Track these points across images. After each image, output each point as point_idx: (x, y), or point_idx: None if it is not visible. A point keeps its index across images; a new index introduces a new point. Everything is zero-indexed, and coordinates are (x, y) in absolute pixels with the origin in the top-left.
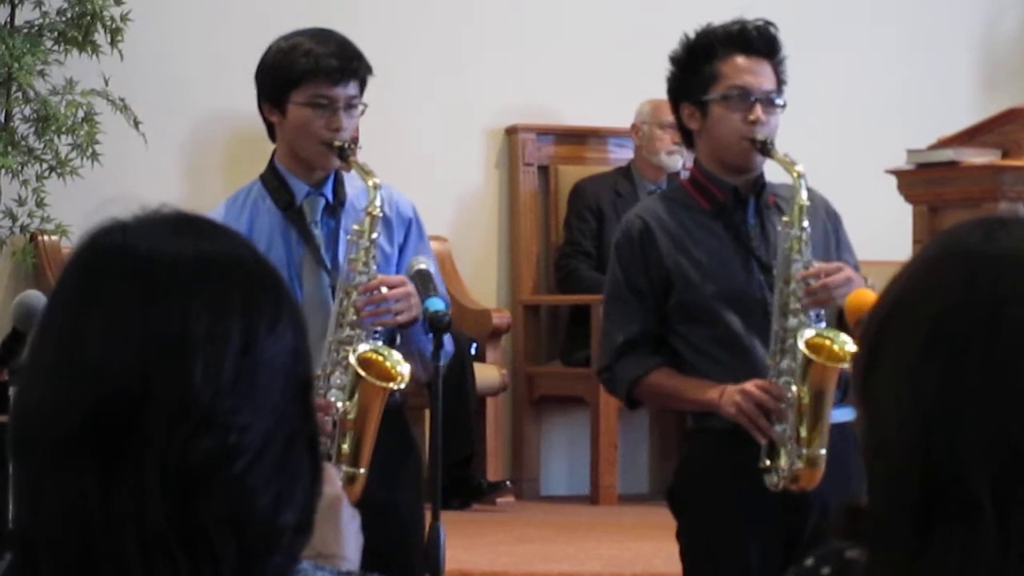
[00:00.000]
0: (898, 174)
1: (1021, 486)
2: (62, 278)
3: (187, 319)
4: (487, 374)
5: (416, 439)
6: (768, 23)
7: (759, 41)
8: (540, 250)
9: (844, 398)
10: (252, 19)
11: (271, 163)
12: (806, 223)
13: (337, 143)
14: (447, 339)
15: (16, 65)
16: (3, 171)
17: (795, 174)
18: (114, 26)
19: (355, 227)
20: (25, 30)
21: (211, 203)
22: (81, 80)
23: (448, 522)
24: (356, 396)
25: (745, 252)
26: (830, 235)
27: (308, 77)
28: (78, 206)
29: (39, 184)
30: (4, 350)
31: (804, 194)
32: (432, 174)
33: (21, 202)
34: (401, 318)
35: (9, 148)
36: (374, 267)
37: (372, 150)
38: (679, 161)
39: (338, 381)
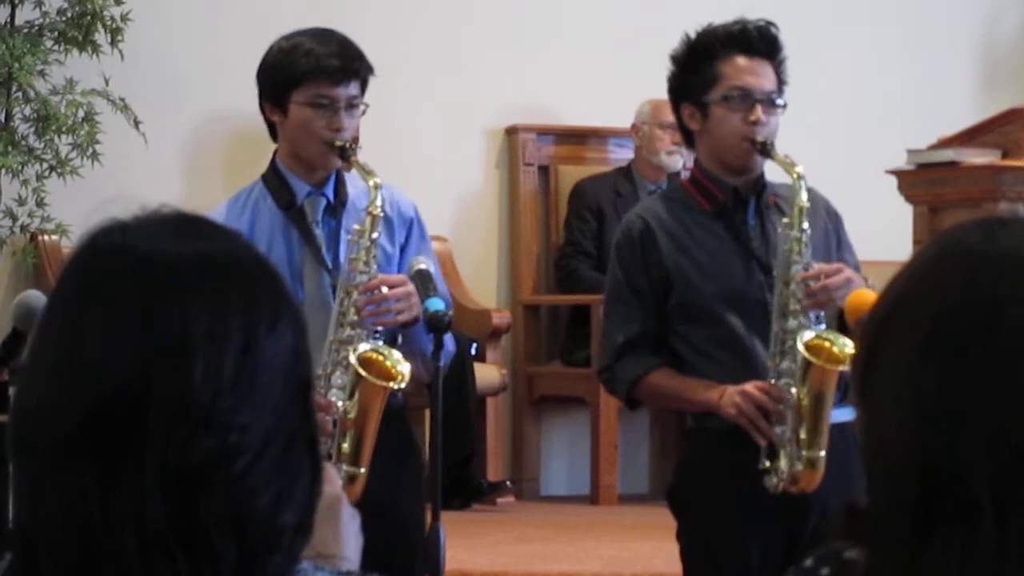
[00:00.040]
0: (898, 174)
1: (1021, 486)
2: (62, 278)
3: (187, 319)
4: (487, 374)
5: (418, 441)
6: (769, 23)
7: (760, 41)
8: (540, 250)
9: (844, 398)
10: (252, 19)
11: (272, 163)
12: (806, 225)
13: (338, 143)
14: (449, 339)
15: (16, 65)
16: (3, 171)
17: (795, 175)
18: (114, 26)
19: (356, 227)
20: (25, 30)
21: (211, 203)
22: (81, 80)
23: (448, 522)
24: (356, 395)
25: (745, 252)
26: (830, 235)
27: (309, 77)
28: (78, 206)
29: (39, 184)
30: (4, 350)
31: (804, 195)
32: (432, 174)
33: (21, 202)
34: (402, 317)
35: (9, 148)
36: (375, 267)
37: (372, 150)
38: (679, 161)
39: (339, 381)
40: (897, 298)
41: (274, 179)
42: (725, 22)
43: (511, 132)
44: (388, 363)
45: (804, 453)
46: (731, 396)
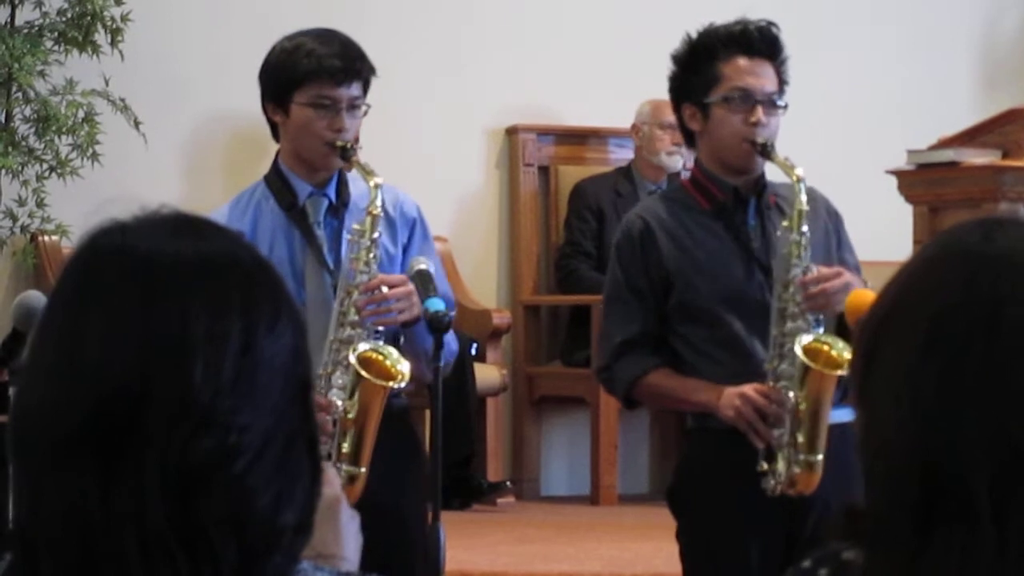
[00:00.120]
0: (898, 174)
1: (1020, 486)
2: (62, 278)
3: (187, 319)
4: (487, 374)
5: (421, 442)
6: (770, 24)
7: (761, 42)
8: (540, 250)
9: (844, 398)
10: (252, 19)
11: (275, 164)
12: (805, 227)
13: (339, 143)
14: (452, 338)
15: (16, 65)
16: (3, 171)
17: (795, 178)
18: (114, 26)
19: (356, 226)
20: (25, 30)
21: (211, 203)
22: (81, 80)
23: (448, 522)
24: (356, 395)
25: (745, 253)
26: (831, 235)
27: (311, 77)
28: (78, 206)
29: (39, 184)
30: (4, 350)
31: (803, 198)
32: (432, 174)
33: (21, 202)
34: (402, 317)
35: (9, 148)
36: (375, 267)
37: (373, 150)
38: (679, 161)
39: (339, 381)
40: (896, 298)
41: (276, 180)
42: (726, 22)
43: (511, 132)
44: (388, 363)
45: (802, 457)
46: (730, 398)
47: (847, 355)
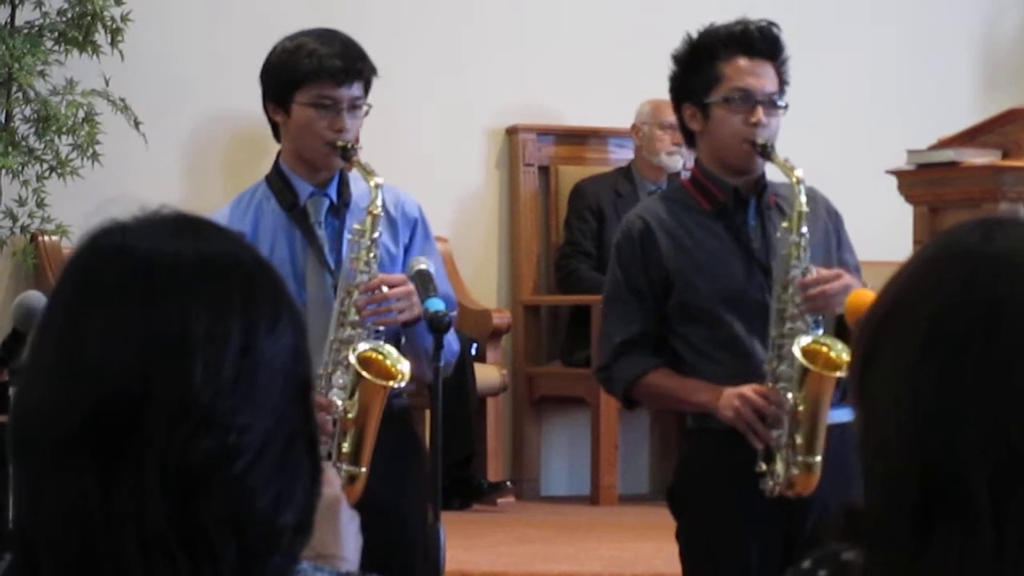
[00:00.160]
0: (898, 174)
1: (1019, 486)
2: (62, 278)
3: (187, 319)
4: (487, 374)
5: (422, 442)
6: (771, 24)
7: (761, 42)
8: (540, 250)
9: (844, 398)
10: (252, 19)
11: (276, 163)
12: (804, 229)
13: (340, 143)
14: (454, 338)
15: (16, 65)
16: (4, 171)
17: (794, 179)
18: (114, 26)
19: (356, 226)
20: (25, 30)
21: (211, 203)
22: (81, 80)
23: (448, 522)
24: (357, 395)
25: (745, 253)
26: (831, 235)
27: (312, 78)
28: (78, 206)
29: (39, 184)
30: (4, 350)
31: (803, 200)
32: (432, 174)
33: (22, 202)
34: (402, 317)
35: (10, 148)
36: (375, 266)
37: (373, 150)
38: (679, 161)
39: (340, 380)
40: (896, 298)
41: (277, 180)
42: (727, 22)
43: (511, 132)
44: (388, 362)
45: (800, 458)
46: (729, 399)
47: (846, 357)
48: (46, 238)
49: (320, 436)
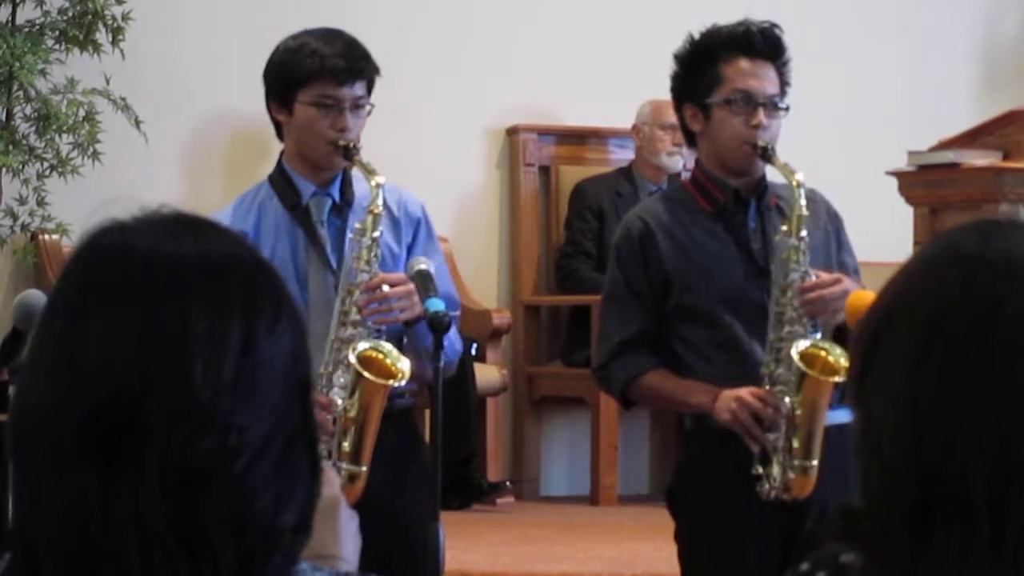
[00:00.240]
0: (899, 176)
1: (1018, 486)
2: (62, 278)
3: (187, 319)
4: (487, 374)
5: (422, 442)
6: (773, 25)
7: (763, 44)
8: (541, 250)
9: (842, 399)
10: (253, 19)
11: (279, 163)
12: (804, 233)
13: (342, 143)
14: (456, 338)
15: (17, 64)
16: (4, 170)
17: (794, 183)
18: (115, 25)
19: (357, 225)
20: (26, 29)
21: (211, 203)
22: (82, 79)
23: (448, 522)
24: (357, 394)
25: (745, 255)
26: (831, 236)
27: (314, 77)
28: (79, 205)
29: (40, 183)
30: (4, 350)
31: (802, 203)
32: (433, 174)
33: (22, 201)
34: (403, 316)
35: (10, 147)
36: (376, 265)
37: (373, 150)
38: (680, 162)
39: (341, 379)
40: (894, 300)
41: (280, 179)
42: (729, 23)
43: (512, 132)
44: (388, 361)
45: (796, 462)
46: (726, 401)
47: (844, 362)
48: (46, 237)
49: (320, 435)
